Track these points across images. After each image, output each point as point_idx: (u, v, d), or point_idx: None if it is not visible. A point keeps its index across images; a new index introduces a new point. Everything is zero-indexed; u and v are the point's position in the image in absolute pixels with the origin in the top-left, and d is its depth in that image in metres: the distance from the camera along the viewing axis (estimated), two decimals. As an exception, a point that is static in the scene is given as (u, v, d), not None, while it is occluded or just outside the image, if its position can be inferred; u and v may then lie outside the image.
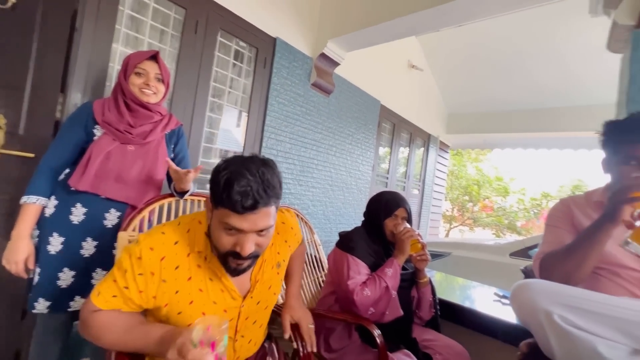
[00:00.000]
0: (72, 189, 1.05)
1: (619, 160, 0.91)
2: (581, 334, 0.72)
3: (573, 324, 0.74)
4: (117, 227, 1.13)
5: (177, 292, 0.73)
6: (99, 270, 1.11)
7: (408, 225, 1.29)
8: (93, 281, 1.10)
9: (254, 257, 0.74)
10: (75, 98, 1.43)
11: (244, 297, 0.82)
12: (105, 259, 1.12)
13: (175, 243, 0.74)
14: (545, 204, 9.08)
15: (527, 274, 1.68)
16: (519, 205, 9.67)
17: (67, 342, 1.17)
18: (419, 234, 1.28)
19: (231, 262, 0.71)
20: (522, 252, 2.98)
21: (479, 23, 3.15)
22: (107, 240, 1.12)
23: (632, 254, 0.42)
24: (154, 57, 1.17)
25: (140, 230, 1.17)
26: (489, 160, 10.38)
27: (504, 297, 1.65)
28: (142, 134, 1.16)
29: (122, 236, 1.08)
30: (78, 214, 1.07)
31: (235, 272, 0.74)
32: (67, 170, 1.10)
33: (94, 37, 1.47)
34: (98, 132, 1.11)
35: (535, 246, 2.89)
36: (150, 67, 1.16)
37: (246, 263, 0.73)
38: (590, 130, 1.02)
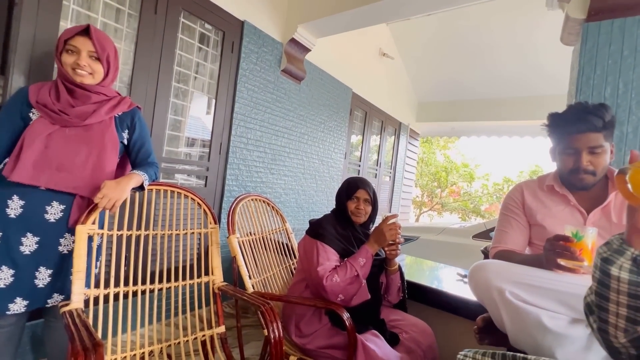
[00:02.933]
0: (8, 180, 0.96)
1: (561, 150, 0.99)
2: (528, 308, 0.79)
3: (521, 298, 0.81)
4: (63, 221, 1.04)
5: None
6: (42, 268, 1.02)
7: (399, 223, 1.30)
8: (36, 281, 1.01)
9: None
10: (18, 81, 1.30)
11: None
12: (49, 256, 1.03)
13: None
14: (506, 188, 9.67)
15: (486, 254, 1.79)
16: (483, 190, 10.26)
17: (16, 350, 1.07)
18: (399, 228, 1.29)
19: None
20: (484, 234, 3.17)
21: (447, 13, 3.22)
22: (50, 235, 1.03)
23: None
24: (87, 31, 1.04)
25: (101, 223, 1.11)
26: (456, 148, 10.83)
27: (465, 276, 1.76)
28: (82, 115, 1.04)
29: (81, 230, 1.02)
30: (15, 207, 0.98)
31: None
32: (7, 161, 1.00)
33: (38, 13, 1.34)
34: (34, 116, 1.02)
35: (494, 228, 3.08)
36: (82, 44, 1.03)
37: None
38: (546, 120, 1.10)
